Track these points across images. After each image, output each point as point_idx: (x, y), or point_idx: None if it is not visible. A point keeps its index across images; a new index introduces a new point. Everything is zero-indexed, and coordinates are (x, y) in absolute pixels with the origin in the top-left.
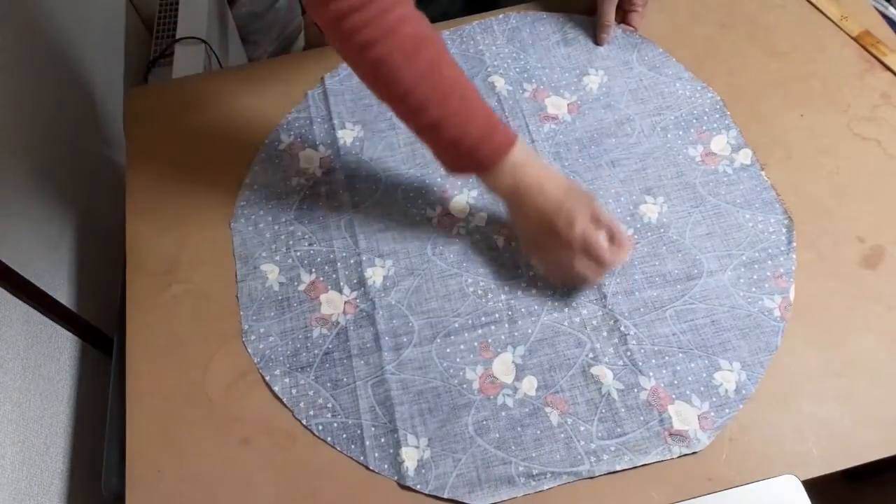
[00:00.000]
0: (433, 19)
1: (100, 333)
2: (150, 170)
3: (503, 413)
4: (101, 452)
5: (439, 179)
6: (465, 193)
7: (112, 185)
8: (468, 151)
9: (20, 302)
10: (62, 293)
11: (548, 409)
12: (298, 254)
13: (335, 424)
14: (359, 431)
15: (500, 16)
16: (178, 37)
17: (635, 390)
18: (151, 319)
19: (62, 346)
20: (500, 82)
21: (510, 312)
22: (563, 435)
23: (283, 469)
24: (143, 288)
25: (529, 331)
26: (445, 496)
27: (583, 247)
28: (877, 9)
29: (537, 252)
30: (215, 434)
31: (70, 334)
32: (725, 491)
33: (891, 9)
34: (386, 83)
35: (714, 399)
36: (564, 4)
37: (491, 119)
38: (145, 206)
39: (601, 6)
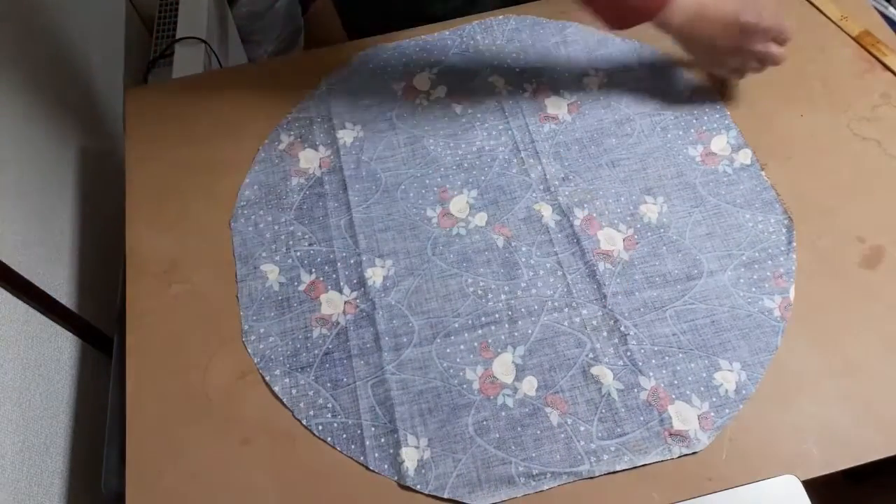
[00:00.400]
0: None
1: (100, 333)
2: (150, 170)
3: (503, 413)
4: (101, 452)
5: (439, 179)
6: (465, 193)
7: (112, 185)
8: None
9: (20, 302)
10: (62, 293)
11: (548, 410)
12: (298, 254)
13: (335, 424)
14: (359, 431)
15: (501, 17)
16: (178, 37)
17: (635, 390)
18: (151, 319)
19: (62, 346)
20: (499, 82)
21: (510, 312)
22: (563, 435)
23: (283, 469)
24: (143, 288)
25: (529, 331)
26: (445, 496)
27: (774, 32)
28: (877, 9)
29: (724, 61)
30: (215, 434)
31: (70, 334)
32: (725, 491)
33: (891, 9)
34: None
35: (714, 399)
36: (565, 9)
37: None
38: (145, 206)
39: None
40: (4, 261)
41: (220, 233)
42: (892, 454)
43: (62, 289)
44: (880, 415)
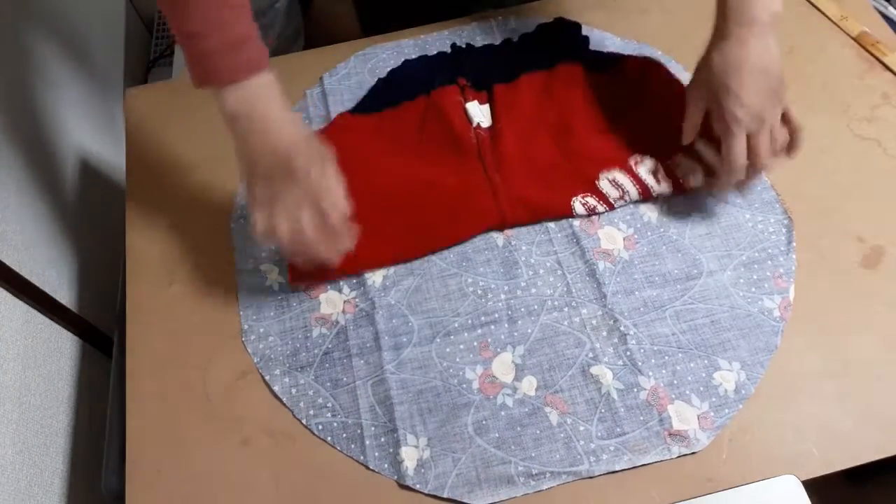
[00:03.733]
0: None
1: (100, 333)
2: (150, 170)
3: (503, 413)
4: (101, 452)
5: None
6: None
7: (112, 185)
8: (208, 52)
9: (20, 302)
10: (62, 293)
11: (547, 409)
12: None
13: (335, 424)
14: (358, 431)
15: (500, 18)
16: None
17: (635, 390)
18: (151, 319)
19: (62, 346)
20: None
21: (510, 312)
22: (562, 435)
23: (282, 469)
24: (143, 288)
25: (529, 331)
26: (445, 496)
27: (315, 194)
28: (877, 9)
29: (255, 201)
30: (215, 434)
31: (70, 334)
32: (725, 491)
33: (891, 9)
34: None
35: (714, 399)
36: (565, 10)
37: (248, 35)
38: (145, 207)
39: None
40: (4, 261)
41: (220, 233)
42: (891, 454)
43: (62, 289)
44: (880, 415)
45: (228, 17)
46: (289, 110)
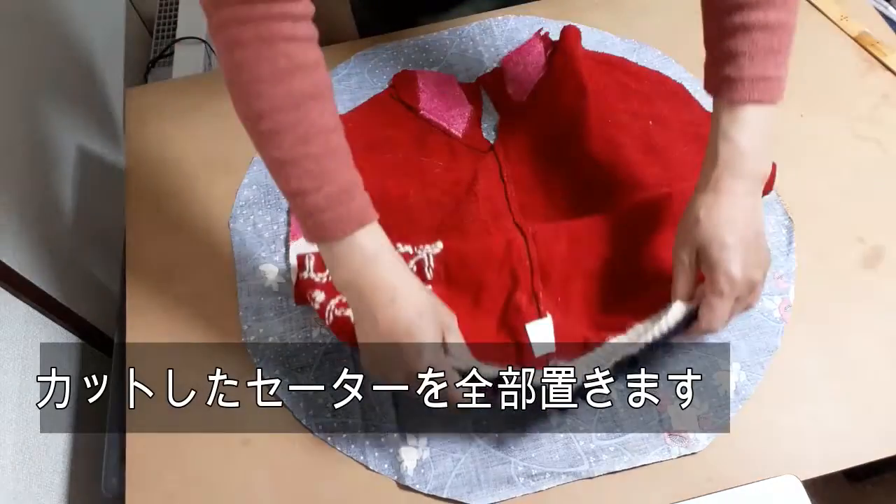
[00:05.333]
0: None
1: (100, 333)
2: (150, 170)
3: (502, 413)
4: (101, 452)
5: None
6: None
7: (112, 185)
8: (311, 209)
9: (20, 302)
10: (62, 293)
11: (547, 410)
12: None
13: (335, 424)
14: (358, 431)
15: (500, 17)
16: (178, 37)
17: (635, 391)
18: (151, 319)
19: (62, 346)
20: None
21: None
22: (562, 435)
23: (282, 469)
24: (143, 288)
25: None
26: (444, 496)
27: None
28: (877, 9)
29: (376, 364)
30: (215, 434)
31: (70, 334)
32: (725, 491)
33: (891, 9)
34: (244, 95)
35: (714, 399)
36: (566, 10)
37: (353, 185)
38: (145, 206)
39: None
40: (4, 261)
41: (220, 233)
42: (891, 454)
43: (62, 289)
44: (880, 415)
45: (332, 161)
46: (404, 269)
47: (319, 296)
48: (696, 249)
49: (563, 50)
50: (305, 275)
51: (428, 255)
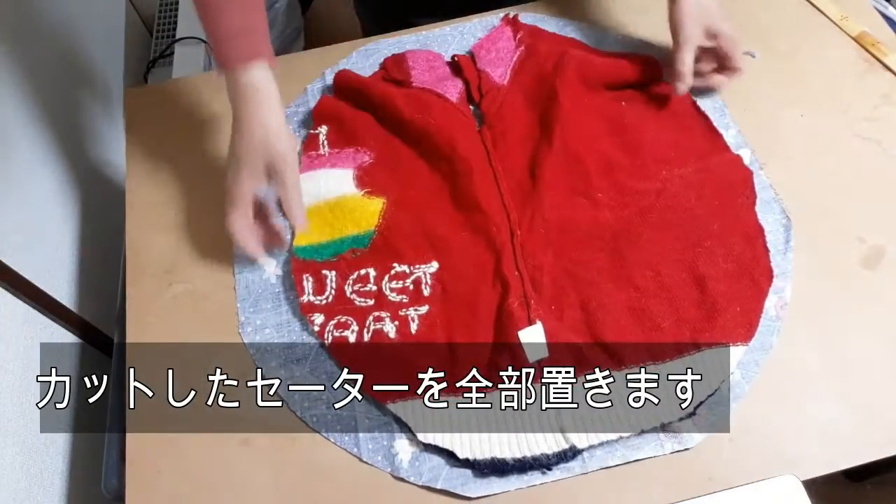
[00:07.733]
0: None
1: (100, 333)
2: (150, 170)
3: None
4: (101, 452)
5: None
6: None
7: (112, 185)
8: (212, 44)
9: (20, 302)
10: (62, 293)
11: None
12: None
13: (329, 416)
14: (353, 423)
15: (501, 14)
16: (178, 37)
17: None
18: (151, 319)
19: (62, 346)
20: None
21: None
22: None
23: (282, 469)
24: (143, 288)
25: None
26: (439, 487)
27: (236, 206)
28: (877, 9)
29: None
30: (215, 434)
31: (70, 334)
32: (725, 491)
33: (891, 9)
34: None
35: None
36: (565, 9)
37: (241, 30)
38: (145, 206)
39: (676, 52)
40: (4, 261)
41: (220, 232)
42: (891, 454)
43: (62, 289)
44: (880, 415)
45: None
46: (273, 107)
47: (318, 318)
48: (700, 31)
49: (533, 35)
50: (305, 298)
51: (425, 274)
